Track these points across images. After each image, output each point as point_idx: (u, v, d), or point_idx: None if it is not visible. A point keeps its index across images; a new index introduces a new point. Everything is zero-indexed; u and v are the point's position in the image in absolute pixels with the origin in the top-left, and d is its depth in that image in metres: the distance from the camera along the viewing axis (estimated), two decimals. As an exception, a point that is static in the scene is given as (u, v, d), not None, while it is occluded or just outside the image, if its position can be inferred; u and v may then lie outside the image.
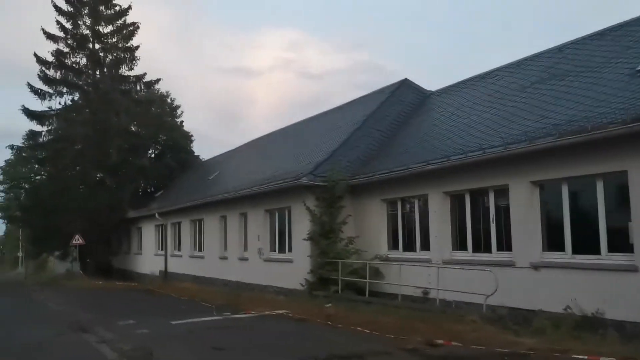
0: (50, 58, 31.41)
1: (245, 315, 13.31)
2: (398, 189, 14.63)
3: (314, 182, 15.51)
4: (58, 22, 31.66)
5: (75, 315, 14.73)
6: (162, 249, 27.77)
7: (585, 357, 7.52)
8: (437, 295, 12.16)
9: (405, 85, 19.91)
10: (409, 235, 14.66)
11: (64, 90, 31.89)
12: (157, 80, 33.88)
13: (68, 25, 31.95)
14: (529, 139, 10.68)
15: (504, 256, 11.60)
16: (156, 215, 27.09)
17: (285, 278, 16.79)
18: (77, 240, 28.04)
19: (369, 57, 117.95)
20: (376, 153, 16.89)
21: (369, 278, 14.18)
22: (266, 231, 18.53)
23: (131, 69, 32.97)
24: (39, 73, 31.30)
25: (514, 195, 11.30)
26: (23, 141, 33.68)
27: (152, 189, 36.57)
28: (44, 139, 32.20)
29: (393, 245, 15.09)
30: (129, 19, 32.93)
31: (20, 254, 53.03)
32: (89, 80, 32.41)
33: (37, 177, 38.61)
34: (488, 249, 12.11)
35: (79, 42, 31.96)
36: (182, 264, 25.33)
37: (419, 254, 14.00)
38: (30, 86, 31.08)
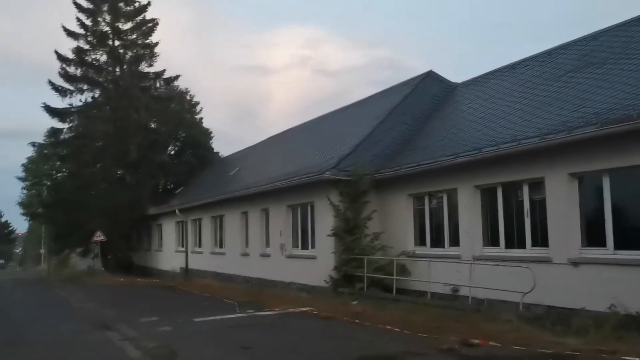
0: (70, 55, 31.48)
1: (270, 312, 12.99)
2: (425, 183, 14.18)
3: (338, 176, 15.11)
4: (78, 20, 31.70)
5: (97, 312, 14.58)
6: (182, 246, 27.62)
7: (636, 359, 7.04)
8: (469, 293, 11.67)
9: (431, 77, 19.39)
10: (437, 230, 14.20)
11: (85, 87, 31.94)
12: (177, 77, 33.84)
13: (88, 22, 31.97)
14: (568, 128, 10.16)
15: (539, 252, 11.09)
16: (176, 211, 26.94)
17: (309, 275, 16.44)
18: (99, 237, 28.03)
19: (387, 53, 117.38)
20: (401, 147, 16.43)
21: (396, 275, 13.76)
22: (288, 227, 18.19)
23: (151, 65, 32.95)
24: (60, 70, 31.41)
25: (551, 189, 10.79)
26: (44, 138, 33.83)
27: (172, 186, 36.50)
28: (65, 136, 32.28)
29: (420, 241, 14.64)
30: (148, 15, 32.93)
31: (42, 250, 53.50)
32: (109, 77, 32.38)
33: (58, 174, 38.80)
34: (522, 245, 11.61)
35: (99, 39, 31.93)
36: (203, 261, 25.13)
37: (448, 250, 13.54)
38: (52, 83, 31.15)
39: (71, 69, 31.58)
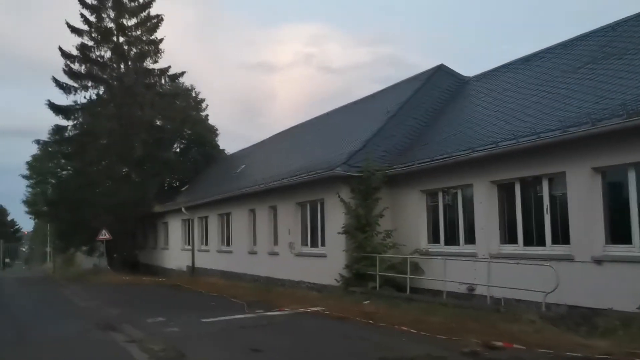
0: (75, 52, 31.09)
1: (280, 312, 12.61)
2: (439, 178, 13.77)
3: (349, 172, 14.72)
4: (82, 16, 31.29)
5: (102, 312, 14.24)
6: (189, 244, 27.29)
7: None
8: (487, 292, 11.25)
9: (441, 71, 18.95)
10: (451, 228, 13.79)
11: (89, 84, 31.56)
12: (182, 74, 33.42)
13: (92, 19, 31.56)
14: (592, 121, 9.72)
15: (560, 250, 10.68)
16: (183, 209, 26.62)
17: (319, 273, 16.07)
18: (104, 235, 27.75)
19: (390, 50, 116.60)
20: (413, 142, 16.03)
21: (409, 274, 13.35)
22: (297, 225, 17.81)
23: (155, 62, 32.53)
24: (64, 67, 31.02)
25: (572, 183, 10.36)
26: (49, 136, 33.56)
27: (178, 184, 36.21)
28: (70, 133, 31.95)
29: (434, 238, 14.24)
30: (153, 11, 32.53)
31: (48, 249, 53.35)
32: (114, 74, 32.01)
33: (63, 172, 38.54)
34: (541, 242, 11.19)
35: (103, 36, 31.55)
36: (209, 259, 24.79)
37: (463, 247, 13.14)
38: (56, 80, 30.81)
39: (75, 66, 31.22)
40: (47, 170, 43.09)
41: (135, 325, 11.28)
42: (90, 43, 31.49)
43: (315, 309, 12.66)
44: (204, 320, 11.75)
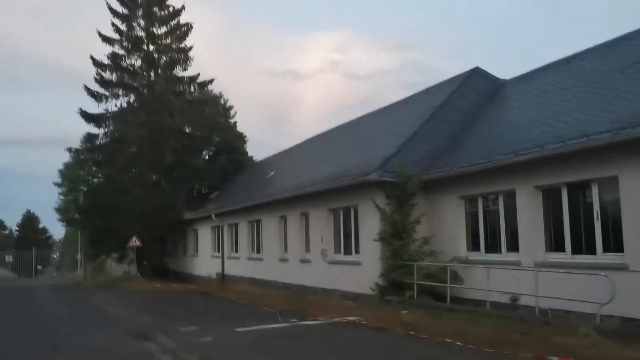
0: (106, 60, 31.39)
1: (314, 322, 12.24)
2: (478, 184, 13.27)
3: (384, 178, 14.31)
4: (113, 25, 31.58)
5: (133, 320, 14.07)
6: (218, 251, 27.14)
7: None
8: (534, 303, 10.71)
9: (477, 74, 18.44)
10: (491, 235, 13.26)
11: (120, 92, 31.78)
12: (211, 81, 33.45)
13: (123, 28, 31.84)
14: (647, 121, 9.16)
15: (612, 258, 10.09)
16: (212, 216, 26.50)
17: (353, 281, 15.67)
18: (134, 242, 27.78)
19: (416, 56, 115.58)
20: (449, 146, 15.56)
21: (448, 282, 12.86)
22: (330, 232, 17.44)
23: (185, 69, 32.64)
24: (96, 76, 31.28)
25: (626, 188, 9.79)
26: (81, 144, 33.85)
27: (206, 191, 36.19)
28: (101, 141, 32.21)
29: (473, 246, 13.72)
30: (182, 19, 32.68)
31: (79, 256, 53.98)
32: (144, 82, 32.19)
33: (94, 180, 38.90)
34: (591, 250, 10.61)
35: (134, 44, 31.79)
36: (239, 266, 24.58)
37: (505, 255, 12.60)
38: (87, 89, 31.09)
39: (107, 74, 31.46)
40: (79, 178, 43.61)
41: (168, 334, 11.05)
42: (121, 52, 31.75)
43: (350, 318, 12.27)
44: (238, 329, 11.46)
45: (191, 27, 32.64)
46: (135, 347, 10.11)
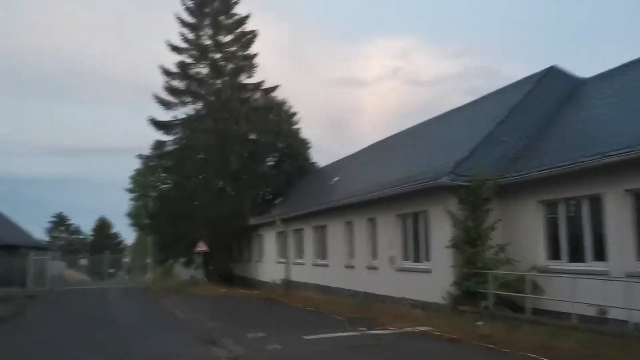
0: (174, 69, 32.20)
1: (384, 331, 11.76)
2: (559, 188, 12.42)
3: (457, 182, 13.68)
4: (181, 34, 32.40)
5: (202, 325, 14.05)
6: (283, 257, 27.08)
7: None
8: (627, 317, 9.82)
9: (553, 72, 17.44)
10: (574, 242, 12.35)
11: (188, 100, 32.55)
12: (275, 87, 33.67)
13: (191, 37, 32.62)
14: None
15: None
16: (277, 222, 26.47)
17: (423, 290, 15.08)
18: (201, 247, 28.19)
19: (479, 61, 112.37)
20: (526, 148, 14.73)
21: (527, 292, 12.08)
22: (398, 238, 16.91)
23: (250, 76, 33.05)
24: (165, 84, 32.14)
25: None
26: (150, 151, 34.81)
27: (271, 196, 36.34)
28: (170, 148, 33.02)
29: (553, 254, 12.84)
30: (247, 27, 33.05)
31: (148, 260, 55.64)
32: (211, 89, 32.79)
33: (163, 186, 39.93)
34: (692, 260, 9.64)
35: (201, 52, 32.45)
36: (304, 273, 24.39)
37: (591, 265, 11.68)
38: (157, 97, 31.98)
39: (175, 83, 32.32)
40: (149, 184, 44.90)
41: (236, 340, 10.91)
42: (189, 60, 32.50)
43: (422, 328, 11.73)
44: (306, 337, 11.18)
45: (256, 35, 33.01)
46: (205, 353, 10.02)
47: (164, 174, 38.09)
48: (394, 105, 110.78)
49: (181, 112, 32.38)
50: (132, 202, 52.58)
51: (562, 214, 12.68)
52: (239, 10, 33.08)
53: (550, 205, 13.01)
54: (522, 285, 12.26)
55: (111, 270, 53.00)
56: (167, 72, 32.11)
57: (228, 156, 32.07)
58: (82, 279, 44.49)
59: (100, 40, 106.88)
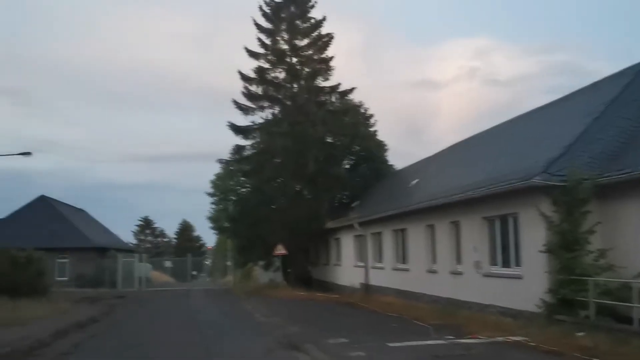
0: (252, 75, 32.63)
1: (473, 340, 11.14)
2: (669, 187, 11.28)
3: (550, 182, 12.76)
4: (259, 40, 32.74)
5: (282, 329, 13.93)
6: (362, 261, 26.66)
7: None
8: None
9: (656, 62, 16.05)
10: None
11: (265, 104, 32.91)
12: (351, 90, 33.40)
13: (268, 42, 32.96)
14: None
15: None
16: (355, 225, 26.09)
17: (512, 297, 14.21)
18: (280, 250, 28.29)
19: (563, 58, 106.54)
20: (627, 145, 13.55)
21: (634, 301, 11.01)
22: (484, 242, 16.06)
23: (326, 79, 32.92)
24: (243, 90, 32.62)
25: None
26: (230, 155, 35.45)
27: (347, 200, 36.06)
28: (248, 152, 33.50)
29: (663, 260, 11.68)
30: (323, 30, 32.99)
31: (228, 262, 56.92)
32: (287, 94, 32.97)
33: (242, 189, 40.62)
34: None
35: (278, 57, 32.69)
36: (383, 277, 23.87)
37: None
38: (236, 102, 32.51)
39: (253, 88, 32.74)
40: (229, 188, 45.89)
41: (318, 345, 10.66)
42: (266, 65, 32.81)
43: (515, 338, 11.03)
44: (390, 344, 10.76)
45: (332, 38, 32.87)
46: (287, 359, 9.80)
47: (243, 178, 38.76)
48: (472, 107, 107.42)
49: (259, 117, 32.85)
50: (213, 206, 53.98)
51: (672, 216, 11.52)
52: (315, 14, 33.13)
53: (658, 207, 11.85)
54: (628, 294, 11.19)
55: (194, 273, 54.62)
56: (245, 78, 32.60)
57: (305, 160, 32.06)
58: (166, 281, 46.11)
59: (183, 52, 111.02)
